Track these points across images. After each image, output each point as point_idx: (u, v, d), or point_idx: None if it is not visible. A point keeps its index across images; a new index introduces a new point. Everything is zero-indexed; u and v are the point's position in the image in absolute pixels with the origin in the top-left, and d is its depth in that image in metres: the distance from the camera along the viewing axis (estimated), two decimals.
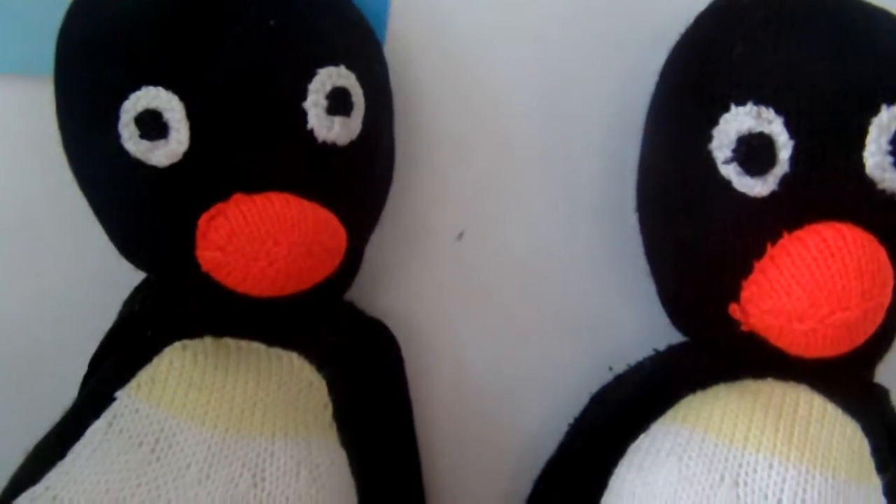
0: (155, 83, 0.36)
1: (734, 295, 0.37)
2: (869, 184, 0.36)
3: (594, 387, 0.44)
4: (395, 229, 0.46)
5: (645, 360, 0.43)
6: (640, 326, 0.46)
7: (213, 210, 0.36)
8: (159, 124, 0.36)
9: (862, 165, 0.36)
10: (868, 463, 0.38)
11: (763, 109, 0.36)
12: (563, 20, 0.45)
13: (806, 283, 0.35)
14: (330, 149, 0.38)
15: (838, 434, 0.38)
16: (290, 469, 0.37)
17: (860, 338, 0.36)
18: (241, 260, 0.36)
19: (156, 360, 0.38)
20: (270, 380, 0.39)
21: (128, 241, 0.40)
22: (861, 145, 0.36)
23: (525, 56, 0.45)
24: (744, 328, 0.38)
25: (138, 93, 0.36)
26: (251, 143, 0.37)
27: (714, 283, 0.38)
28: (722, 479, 0.36)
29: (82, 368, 0.40)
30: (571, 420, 0.44)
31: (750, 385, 0.39)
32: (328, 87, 0.37)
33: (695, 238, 0.38)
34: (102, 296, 0.41)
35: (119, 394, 0.38)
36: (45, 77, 0.39)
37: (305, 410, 0.39)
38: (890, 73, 0.36)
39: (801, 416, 0.38)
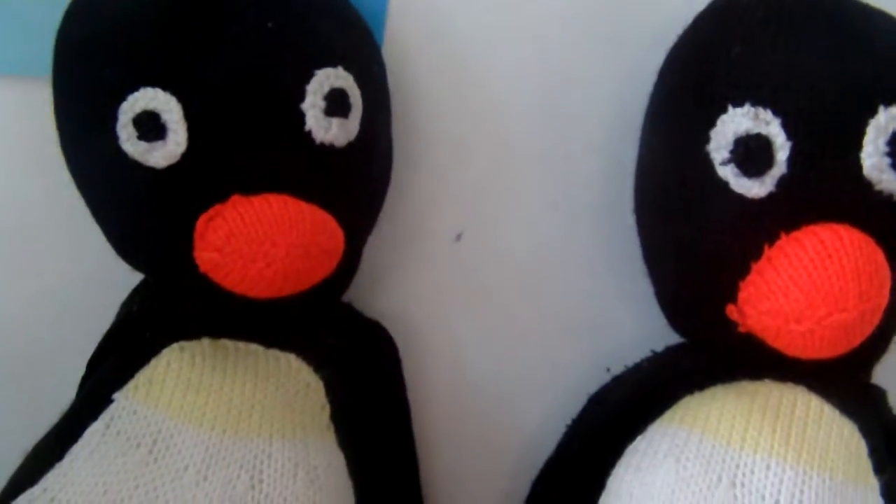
0: (153, 84, 0.36)
1: (731, 296, 0.37)
2: (866, 185, 0.36)
3: (592, 387, 0.44)
4: (394, 230, 0.46)
5: (643, 360, 0.43)
6: (638, 327, 0.46)
7: (211, 211, 0.36)
8: (157, 125, 0.36)
9: (859, 166, 0.36)
10: (865, 464, 0.38)
11: (761, 111, 0.36)
12: (562, 20, 0.45)
13: (803, 285, 0.35)
14: (328, 150, 0.38)
15: (835, 435, 0.38)
16: (288, 470, 0.37)
17: (857, 339, 0.36)
18: (238, 261, 0.36)
19: (153, 362, 0.38)
20: (268, 381, 0.39)
21: (126, 242, 0.40)
22: (858, 146, 0.36)
23: (524, 56, 0.45)
24: (741, 329, 0.38)
25: (136, 94, 0.36)
26: (249, 144, 0.37)
27: (711, 285, 0.38)
28: (719, 480, 0.36)
29: (80, 370, 0.40)
30: (569, 421, 0.44)
31: (747, 386, 0.39)
32: (326, 89, 0.37)
33: (692, 239, 0.38)
34: (100, 297, 0.41)
35: (117, 395, 0.37)
36: (44, 78, 0.39)
37: (303, 412, 0.39)
38: (888, 75, 0.36)
39: (799, 417, 0.38)
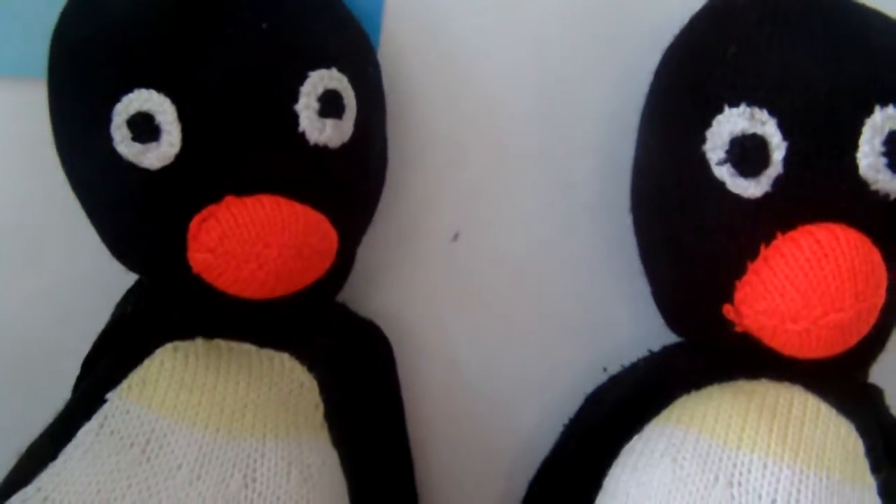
0: (147, 86, 0.36)
1: (728, 296, 0.37)
2: (862, 185, 0.36)
3: (589, 387, 0.44)
4: (390, 230, 0.46)
5: (639, 360, 0.43)
6: (635, 327, 0.46)
7: (204, 212, 0.36)
8: (151, 127, 0.36)
9: (855, 166, 0.36)
10: (862, 463, 0.38)
11: (756, 111, 0.36)
12: (558, 20, 0.45)
13: (799, 284, 0.35)
14: (322, 151, 0.38)
15: (832, 434, 0.37)
16: (282, 469, 0.37)
17: (854, 338, 0.36)
18: (231, 262, 0.36)
19: (147, 362, 0.38)
20: (261, 380, 0.39)
21: (120, 242, 0.40)
22: (854, 146, 0.36)
23: (520, 56, 0.45)
24: (738, 329, 0.38)
25: (130, 95, 0.36)
26: (243, 145, 0.37)
27: (708, 284, 0.38)
28: (716, 479, 0.36)
29: (75, 370, 0.40)
30: (566, 421, 0.44)
31: (744, 385, 0.39)
32: (320, 90, 0.37)
33: (689, 239, 0.38)
34: (95, 298, 0.41)
35: (110, 395, 0.38)
36: (42, 79, 0.39)
37: (296, 411, 0.39)
38: (883, 74, 0.36)
39: (795, 416, 0.38)
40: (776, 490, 0.36)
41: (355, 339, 0.43)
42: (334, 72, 0.38)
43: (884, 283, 0.35)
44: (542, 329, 0.47)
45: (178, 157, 0.36)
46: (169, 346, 0.39)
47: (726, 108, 0.36)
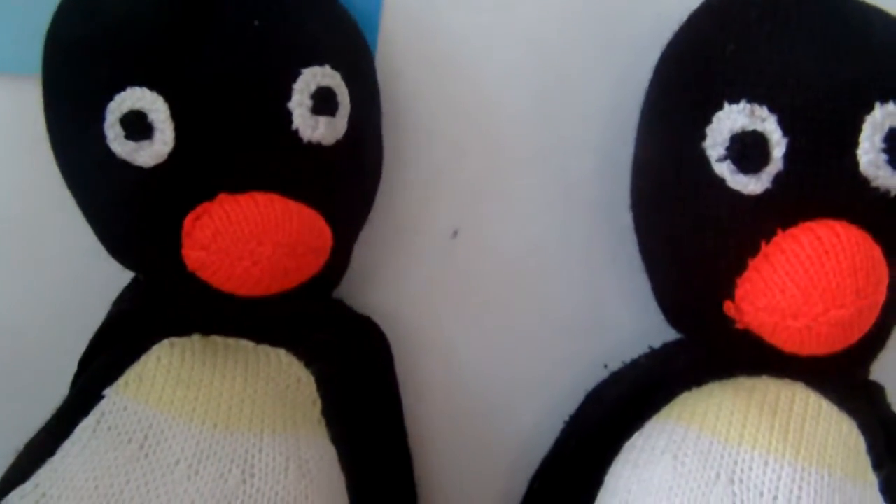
0: (140, 84, 0.36)
1: (729, 293, 0.37)
2: (863, 181, 0.36)
3: (589, 385, 0.44)
4: (389, 228, 0.46)
5: (640, 357, 0.43)
6: (635, 324, 0.46)
7: (198, 210, 0.36)
8: (144, 125, 0.36)
9: (856, 163, 0.36)
10: (864, 460, 0.38)
11: (756, 107, 0.36)
12: (557, 18, 0.45)
13: (800, 281, 0.35)
14: (315, 148, 0.38)
15: (834, 431, 0.37)
16: (279, 464, 0.37)
17: (855, 335, 0.36)
18: (225, 259, 0.36)
19: (143, 358, 0.38)
20: (258, 376, 0.39)
21: (115, 240, 0.40)
22: (855, 143, 0.35)
23: (519, 55, 0.45)
24: (738, 326, 0.38)
25: (123, 93, 0.36)
26: (236, 143, 0.37)
27: (708, 281, 0.38)
28: (717, 476, 0.36)
29: (72, 367, 0.40)
30: (566, 418, 0.44)
31: (745, 382, 0.39)
32: (313, 87, 0.37)
33: (689, 236, 0.38)
34: (92, 295, 0.41)
35: (107, 392, 0.38)
36: (38, 76, 0.39)
37: (294, 406, 0.39)
38: (884, 71, 0.36)
39: (797, 413, 0.37)
40: (777, 487, 0.35)
41: (352, 336, 0.43)
42: (327, 69, 0.38)
43: (885, 280, 0.35)
44: (542, 326, 0.47)
45: (172, 154, 0.36)
46: (165, 342, 0.39)
47: (726, 105, 0.36)
